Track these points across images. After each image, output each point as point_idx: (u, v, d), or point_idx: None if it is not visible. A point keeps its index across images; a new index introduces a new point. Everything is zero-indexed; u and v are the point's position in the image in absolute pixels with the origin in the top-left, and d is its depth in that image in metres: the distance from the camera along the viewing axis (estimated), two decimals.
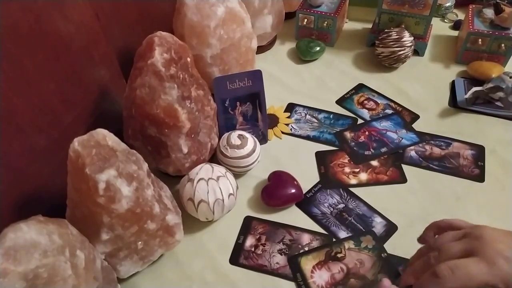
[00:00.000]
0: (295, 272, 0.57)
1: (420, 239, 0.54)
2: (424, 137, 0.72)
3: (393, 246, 0.59)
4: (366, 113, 0.78)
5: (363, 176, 0.67)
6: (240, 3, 0.72)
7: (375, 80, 0.84)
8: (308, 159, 0.70)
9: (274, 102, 0.79)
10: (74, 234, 0.44)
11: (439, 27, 0.94)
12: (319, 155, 0.71)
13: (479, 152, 0.69)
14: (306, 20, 0.90)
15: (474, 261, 0.42)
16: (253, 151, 0.65)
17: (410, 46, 0.81)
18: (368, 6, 0.98)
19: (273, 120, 0.77)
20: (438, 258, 0.45)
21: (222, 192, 0.58)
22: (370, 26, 0.93)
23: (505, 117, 0.74)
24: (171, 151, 0.60)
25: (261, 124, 0.72)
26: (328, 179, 0.67)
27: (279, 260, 0.58)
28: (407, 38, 0.81)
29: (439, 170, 0.67)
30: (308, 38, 0.91)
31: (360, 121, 0.76)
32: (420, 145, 0.71)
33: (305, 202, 0.64)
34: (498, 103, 0.75)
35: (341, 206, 0.64)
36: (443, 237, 0.48)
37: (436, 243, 0.48)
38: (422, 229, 0.60)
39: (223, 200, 0.58)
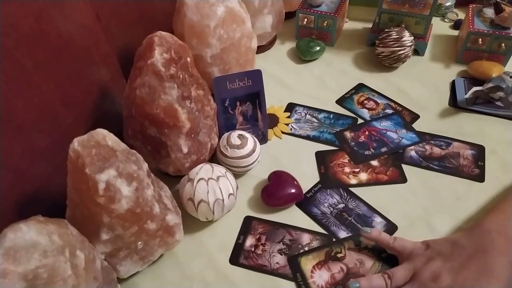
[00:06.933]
0: (295, 272, 0.57)
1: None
2: (424, 137, 0.72)
3: None
4: (366, 113, 0.78)
5: (363, 176, 0.67)
6: (240, 3, 0.72)
7: (375, 80, 0.84)
8: (308, 159, 0.70)
9: (274, 102, 0.79)
10: (74, 234, 0.44)
11: (439, 27, 0.94)
12: (319, 155, 0.71)
13: (479, 152, 0.69)
14: (306, 19, 0.90)
15: None
16: (253, 151, 0.65)
17: (410, 45, 0.81)
18: (368, 6, 0.98)
19: (273, 120, 0.77)
20: None
21: (222, 192, 0.58)
22: (370, 25, 0.93)
23: (505, 117, 0.74)
24: (171, 151, 0.60)
25: (261, 124, 0.72)
26: (328, 179, 0.67)
27: (279, 260, 0.58)
28: (407, 37, 0.81)
29: (439, 170, 0.67)
30: (308, 37, 0.91)
31: (360, 121, 0.76)
32: (420, 145, 0.71)
33: (305, 202, 0.64)
34: (498, 103, 0.75)
35: (341, 206, 0.64)
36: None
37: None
38: (422, 229, 0.60)
39: (223, 200, 0.58)
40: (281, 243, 0.60)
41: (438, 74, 0.84)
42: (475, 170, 0.67)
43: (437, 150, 0.70)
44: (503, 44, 0.79)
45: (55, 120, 0.55)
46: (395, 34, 0.80)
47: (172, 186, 0.61)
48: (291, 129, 0.75)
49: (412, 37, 0.81)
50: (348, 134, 0.74)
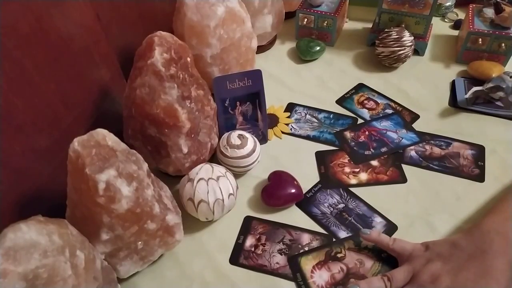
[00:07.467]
0: (295, 272, 0.57)
1: None
2: (424, 137, 0.72)
3: None
4: (366, 113, 0.78)
5: (363, 176, 0.67)
6: (240, 3, 0.72)
7: (375, 80, 0.84)
8: (308, 159, 0.70)
9: (274, 102, 0.79)
10: (74, 234, 0.44)
11: (439, 27, 0.94)
12: (319, 155, 0.71)
13: (479, 152, 0.69)
14: (306, 19, 0.90)
15: None
16: (253, 151, 0.65)
17: (410, 45, 0.81)
18: (368, 6, 0.98)
19: (273, 120, 0.77)
20: None
21: (222, 192, 0.58)
22: (370, 25, 0.93)
23: (505, 117, 0.74)
24: (171, 151, 0.60)
25: (261, 124, 0.72)
26: (328, 179, 0.67)
27: (279, 260, 0.58)
28: (407, 37, 0.81)
29: (439, 170, 0.67)
30: (308, 37, 0.91)
31: (360, 121, 0.76)
32: (420, 145, 0.71)
33: (305, 202, 0.64)
34: (498, 103, 0.75)
35: (341, 206, 0.64)
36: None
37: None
38: (422, 229, 0.60)
39: (223, 200, 0.58)
40: (281, 243, 0.60)
41: (438, 74, 0.84)
42: (475, 170, 0.67)
43: (437, 150, 0.70)
44: (503, 44, 0.79)
45: (55, 120, 0.55)
46: (395, 34, 0.80)
47: (172, 186, 0.61)
48: (291, 129, 0.75)
49: (412, 37, 0.81)
50: (348, 134, 0.74)
